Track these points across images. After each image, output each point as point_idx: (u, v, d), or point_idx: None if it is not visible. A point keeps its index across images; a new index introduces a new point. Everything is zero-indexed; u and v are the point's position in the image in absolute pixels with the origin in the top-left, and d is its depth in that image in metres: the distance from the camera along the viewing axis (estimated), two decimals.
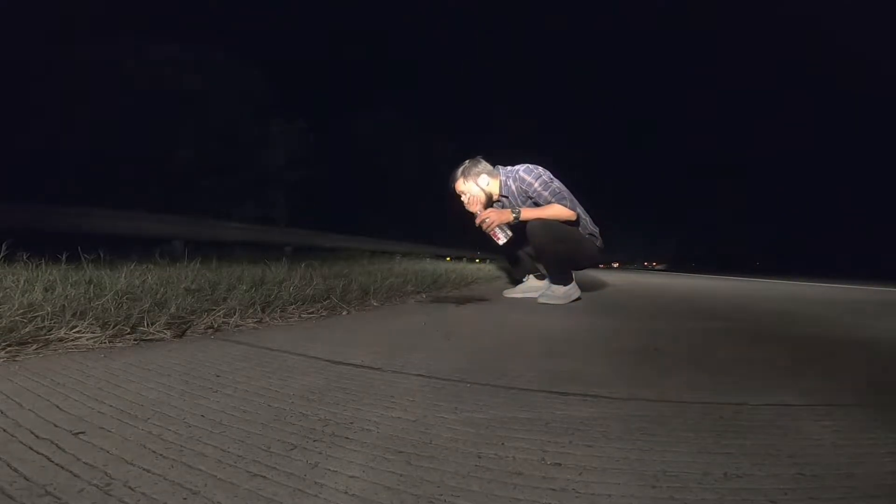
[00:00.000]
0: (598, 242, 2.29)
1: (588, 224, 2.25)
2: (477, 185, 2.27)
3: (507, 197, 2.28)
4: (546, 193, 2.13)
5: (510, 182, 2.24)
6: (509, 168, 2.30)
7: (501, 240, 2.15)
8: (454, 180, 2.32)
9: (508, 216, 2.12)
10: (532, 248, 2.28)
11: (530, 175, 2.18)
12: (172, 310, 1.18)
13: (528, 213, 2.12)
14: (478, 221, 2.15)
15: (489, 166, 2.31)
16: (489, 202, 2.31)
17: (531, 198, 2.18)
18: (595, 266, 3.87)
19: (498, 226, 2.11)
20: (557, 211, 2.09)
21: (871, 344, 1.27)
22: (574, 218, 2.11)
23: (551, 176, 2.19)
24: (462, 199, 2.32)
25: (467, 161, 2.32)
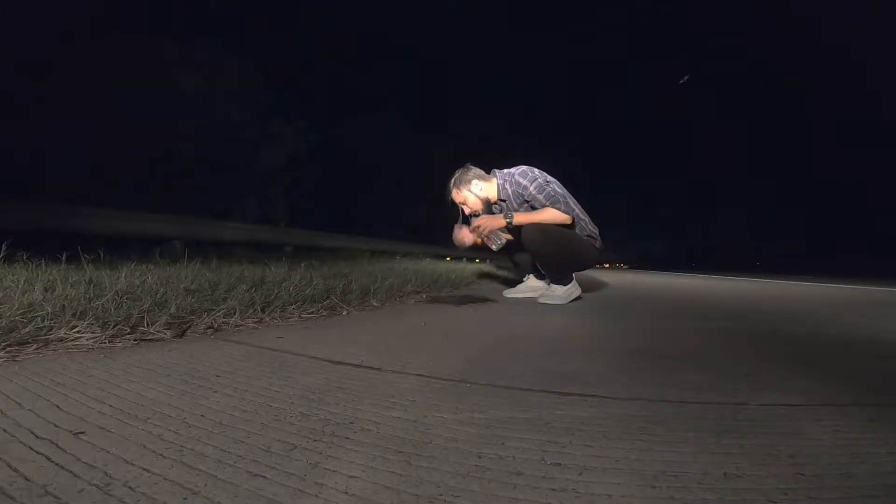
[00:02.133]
0: (598, 244, 2.29)
1: (587, 225, 2.25)
2: (471, 192, 2.29)
3: (504, 201, 2.29)
4: (541, 197, 2.12)
5: (507, 185, 2.25)
6: (506, 171, 2.30)
7: (496, 246, 2.16)
8: (449, 192, 2.34)
9: (501, 222, 2.11)
10: (529, 252, 2.29)
11: (525, 178, 2.18)
12: (172, 310, 1.18)
13: (521, 218, 2.10)
14: (471, 229, 2.16)
15: (480, 171, 2.33)
16: (488, 206, 2.31)
17: (527, 201, 2.18)
18: (594, 267, 3.89)
19: (492, 232, 2.11)
20: (552, 215, 2.08)
21: (870, 344, 1.27)
22: (570, 221, 2.10)
23: (547, 179, 2.19)
24: (464, 208, 2.34)
25: (458, 171, 2.34)
